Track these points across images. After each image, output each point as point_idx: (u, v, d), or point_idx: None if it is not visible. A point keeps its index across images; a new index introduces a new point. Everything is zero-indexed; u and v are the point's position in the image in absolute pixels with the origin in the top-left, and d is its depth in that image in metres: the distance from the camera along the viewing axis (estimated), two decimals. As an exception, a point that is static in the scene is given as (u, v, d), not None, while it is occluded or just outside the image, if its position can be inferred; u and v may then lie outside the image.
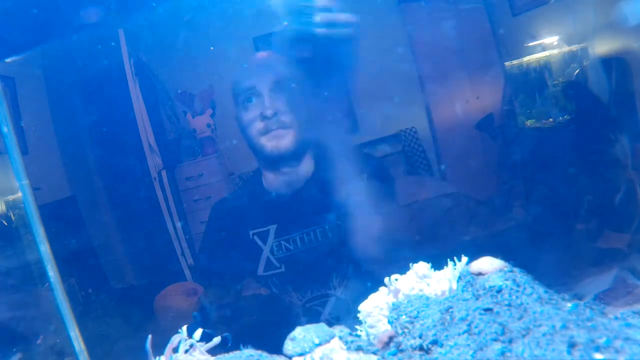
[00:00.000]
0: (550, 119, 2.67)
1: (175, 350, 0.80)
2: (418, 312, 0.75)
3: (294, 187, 1.48)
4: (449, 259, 0.85)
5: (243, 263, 1.50)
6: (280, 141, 1.40)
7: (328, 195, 1.41)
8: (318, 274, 1.46)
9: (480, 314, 0.69)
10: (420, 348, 0.70)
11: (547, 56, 2.67)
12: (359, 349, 0.77)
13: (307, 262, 1.45)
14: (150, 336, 0.80)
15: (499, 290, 0.72)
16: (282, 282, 1.48)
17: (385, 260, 1.39)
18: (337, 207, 1.40)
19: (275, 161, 1.45)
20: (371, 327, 0.84)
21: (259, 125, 1.40)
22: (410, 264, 0.87)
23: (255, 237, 1.48)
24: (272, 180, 1.49)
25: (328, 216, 1.43)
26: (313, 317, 1.47)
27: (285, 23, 1.21)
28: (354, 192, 1.36)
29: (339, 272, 1.46)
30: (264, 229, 1.47)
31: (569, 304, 0.70)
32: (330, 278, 1.46)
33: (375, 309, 0.84)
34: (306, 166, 1.48)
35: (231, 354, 0.79)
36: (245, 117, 1.43)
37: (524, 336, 0.64)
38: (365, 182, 1.39)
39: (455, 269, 0.84)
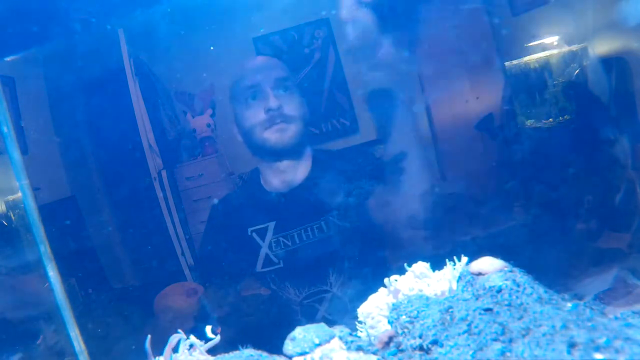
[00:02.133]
0: (550, 119, 2.66)
1: (175, 350, 0.80)
2: (418, 312, 0.75)
3: (292, 184, 1.51)
4: (448, 259, 0.85)
5: (242, 261, 1.51)
6: (284, 134, 1.45)
7: (325, 192, 1.44)
8: (315, 270, 1.49)
9: (480, 314, 0.69)
10: (420, 348, 0.70)
11: (547, 56, 2.67)
12: (359, 349, 0.77)
13: (305, 258, 1.48)
14: (149, 336, 0.80)
15: (499, 290, 0.72)
16: (280, 279, 1.50)
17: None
18: (333, 204, 1.42)
19: (277, 154, 1.49)
20: (371, 327, 0.84)
21: (262, 118, 1.44)
22: (405, 264, 0.87)
23: (254, 234, 1.51)
24: (271, 178, 1.53)
25: (324, 213, 1.45)
26: (310, 314, 1.49)
27: None
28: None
29: (335, 268, 1.48)
30: (263, 226, 1.50)
31: (569, 304, 0.70)
32: (327, 274, 1.49)
33: (376, 310, 0.84)
34: (304, 165, 1.52)
35: (231, 353, 0.79)
36: (248, 114, 1.47)
37: (524, 336, 0.64)
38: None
39: (455, 269, 0.84)
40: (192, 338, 0.82)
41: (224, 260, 1.55)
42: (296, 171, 1.51)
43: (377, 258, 1.46)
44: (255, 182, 1.56)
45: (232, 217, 1.57)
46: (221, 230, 1.59)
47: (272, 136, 1.45)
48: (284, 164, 1.50)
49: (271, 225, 1.49)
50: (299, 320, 1.49)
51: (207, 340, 0.87)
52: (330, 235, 1.47)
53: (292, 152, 1.48)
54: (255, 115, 1.45)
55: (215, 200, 1.73)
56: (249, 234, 1.51)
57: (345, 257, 1.48)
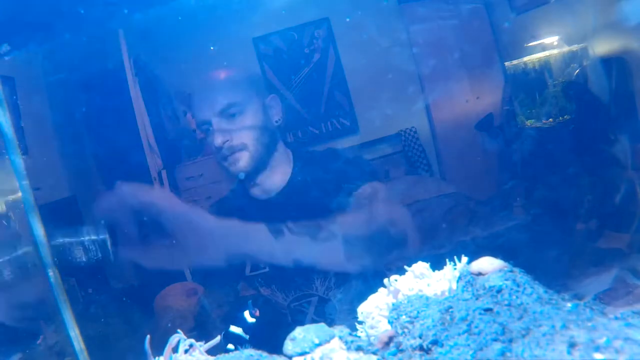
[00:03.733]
0: (550, 119, 2.67)
1: (175, 350, 0.80)
2: (418, 312, 0.75)
3: (272, 191, 1.53)
4: (448, 259, 0.85)
5: (234, 265, 1.53)
6: (238, 164, 1.46)
7: (305, 196, 1.47)
8: (300, 275, 1.50)
9: (480, 314, 0.69)
10: (420, 348, 0.70)
11: (547, 56, 2.67)
12: (359, 349, 0.77)
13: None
14: (148, 336, 0.80)
15: (499, 290, 0.72)
16: (267, 283, 1.53)
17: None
18: (314, 208, 1.45)
19: (241, 179, 1.52)
20: (371, 327, 0.84)
21: (217, 153, 1.47)
22: (405, 266, 0.87)
23: None
24: (251, 187, 1.55)
25: (305, 218, 1.46)
26: (299, 317, 1.52)
27: None
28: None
29: (319, 272, 1.50)
30: None
31: (569, 304, 0.70)
32: (312, 278, 1.50)
33: (376, 310, 0.84)
34: (281, 171, 1.53)
35: (231, 354, 0.79)
36: (209, 142, 1.50)
37: (524, 336, 0.64)
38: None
39: (455, 269, 0.84)
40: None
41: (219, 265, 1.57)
42: (273, 179, 1.53)
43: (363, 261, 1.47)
44: (242, 188, 1.58)
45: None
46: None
47: (229, 167, 1.48)
48: (257, 178, 1.52)
49: None
50: (289, 323, 1.52)
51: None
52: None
53: (255, 172, 1.50)
54: (213, 147, 1.48)
55: (210, 205, 1.74)
56: None
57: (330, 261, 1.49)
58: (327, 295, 1.49)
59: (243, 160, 1.46)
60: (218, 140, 1.43)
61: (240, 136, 1.45)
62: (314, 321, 1.46)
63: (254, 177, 1.50)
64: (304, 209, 1.47)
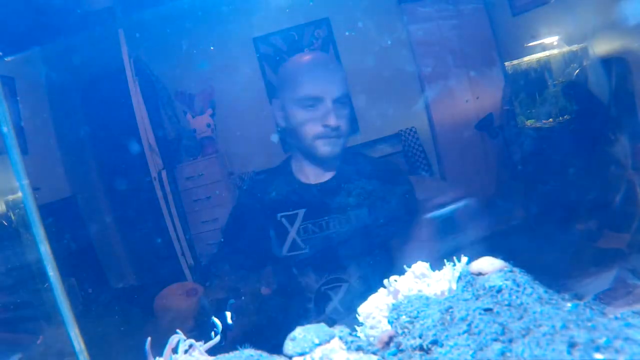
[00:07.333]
0: (550, 119, 2.67)
1: (175, 350, 0.80)
2: (418, 312, 0.75)
3: (323, 177, 1.61)
4: (448, 259, 0.85)
5: (268, 244, 1.59)
6: (335, 148, 1.54)
7: (353, 187, 1.56)
8: (338, 259, 1.56)
9: (480, 314, 0.69)
10: (420, 348, 0.70)
11: (547, 56, 2.67)
12: (359, 349, 0.77)
13: (330, 246, 1.55)
14: (149, 338, 0.80)
15: (499, 290, 0.72)
16: (304, 263, 1.57)
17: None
18: (361, 199, 1.55)
19: (323, 161, 1.59)
20: (372, 327, 0.84)
21: (317, 129, 1.51)
22: (405, 266, 0.87)
23: (283, 219, 1.58)
24: (304, 170, 1.62)
25: (353, 206, 1.55)
26: (323, 303, 1.57)
27: None
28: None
29: (358, 261, 1.55)
30: (292, 212, 1.58)
31: (569, 304, 0.70)
32: (349, 265, 1.56)
33: (376, 310, 0.84)
34: (334, 160, 1.62)
35: (231, 354, 0.79)
36: (303, 117, 1.53)
37: (524, 336, 0.64)
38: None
39: (455, 269, 0.84)
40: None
41: (250, 242, 1.61)
42: (328, 165, 1.60)
43: (397, 257, 1.51)
44: (287, 172, 1.64)
45: (262, 203, 1.63)
46: (250, 214, 1.65)
47: (323, 148, 1.53)
48: (325, 166, 1.60)
49: (301, 212, 1.57)
50: (310, 308, 1.56)
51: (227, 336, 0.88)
52: (356, 228, 1.54)
53: (335, 159, 1.59)
54: (310, 122, 1.51)
55: (244, 186, 1.81)
56: (279, 219, 1.58)
57: (368, 252, 1.55)
58: (358, 285, 1.54)
59: (339, 146, 1.54)
60: (332, 120, 1.48)
61: (345, 124, 1.53)
62: (335, 310, 1.53)
63: (334, 161, 1.58)
64: (350, 194, 1.55)
